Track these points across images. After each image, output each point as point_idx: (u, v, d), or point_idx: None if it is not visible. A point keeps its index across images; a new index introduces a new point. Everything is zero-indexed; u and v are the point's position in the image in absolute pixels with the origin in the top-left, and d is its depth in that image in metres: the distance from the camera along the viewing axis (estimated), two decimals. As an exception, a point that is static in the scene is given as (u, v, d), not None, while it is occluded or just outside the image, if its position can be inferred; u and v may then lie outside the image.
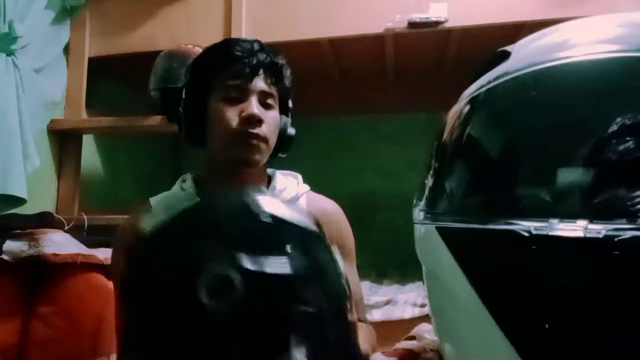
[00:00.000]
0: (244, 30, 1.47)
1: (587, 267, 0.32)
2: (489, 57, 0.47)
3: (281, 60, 0.84)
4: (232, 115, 0.77)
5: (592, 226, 0.31)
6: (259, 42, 0.84)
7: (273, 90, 0.82)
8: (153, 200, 0.70)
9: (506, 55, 0.44)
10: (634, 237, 0.30)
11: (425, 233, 0.46)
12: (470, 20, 1.37)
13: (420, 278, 0.48)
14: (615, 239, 0.30)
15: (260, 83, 0.80)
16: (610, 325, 0.32)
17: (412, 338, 0.56)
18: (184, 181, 0.81)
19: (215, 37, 1.50)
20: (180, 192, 0.80)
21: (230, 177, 0.77)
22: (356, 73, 1.96)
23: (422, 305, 1.54)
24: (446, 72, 1.88)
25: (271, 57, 0.82)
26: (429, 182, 0.47)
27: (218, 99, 0.79)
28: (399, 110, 2.11)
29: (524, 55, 0.43)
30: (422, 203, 0.48)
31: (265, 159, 0.82)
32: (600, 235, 0.30)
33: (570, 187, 0.34)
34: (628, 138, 0.32)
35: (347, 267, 0.84)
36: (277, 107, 0.83)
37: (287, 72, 0.85)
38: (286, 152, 0.88)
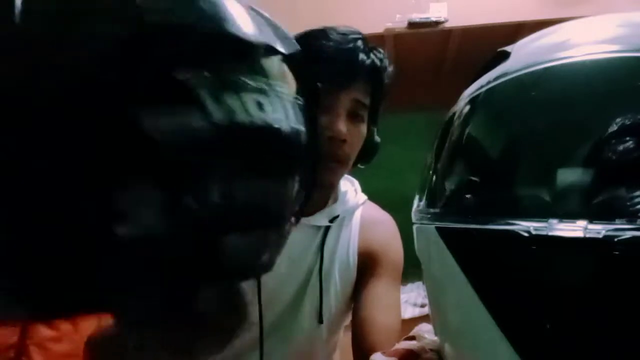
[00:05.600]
0: (244, 30, 1.47)
1: (586, 267, 0.32)
2: (489, 57, 0.47)
3: (384, 63, 0.70)
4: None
5: (591, 226, 0.31)
6: (361, 37, 0.68)
7: (367, 99, 0.68)
8: None
9: (506, 55, 0.44)
10: (634, 237, 0.30)
11: (425, 233, 0.46)
12: (470, 20, 1.37)
13: (420, 278, 0.48)
14: (615, 239, 0.30)
15: (354, 91, 0.66)
16: (610, 325, 0.32)
17: (412, 338, 0.56)
18: None
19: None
20: None
21: None
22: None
23: (422, 305, 1.55)
24: (446, 72, 1.88)
25: (373, 59, 0.67)
26: (429, 182, 0.47)
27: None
28: (399, 110, 2.11)
29: (524, 55, 0.43)
30: (422, 203, 0.48)
31: (342, 178, 0.73)
32: (600, 236, 0.30)
33: (570, 187, 0.34)
34: (628, 138, 0.32)
35: (385, 289, 0.76)
36: (366, 118, 0.70)
37: (388, 76, 0.71)
38: (368, 163, 0.77)
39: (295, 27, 1.56)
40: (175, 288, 0.31)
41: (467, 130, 0.44)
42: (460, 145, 0.44)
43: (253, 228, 0.34)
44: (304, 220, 0.79)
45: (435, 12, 1.36)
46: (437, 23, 1.36)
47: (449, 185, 0.44)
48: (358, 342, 0.73)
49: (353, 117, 0.68)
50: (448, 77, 1.89)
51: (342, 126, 0.65)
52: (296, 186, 0.37)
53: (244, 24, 0.33)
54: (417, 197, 0.50)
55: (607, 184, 0.33)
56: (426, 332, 0.56)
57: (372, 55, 0.68)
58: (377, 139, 0.78)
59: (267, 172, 0.33)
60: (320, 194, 0.77)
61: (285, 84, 0.36)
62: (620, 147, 0.32)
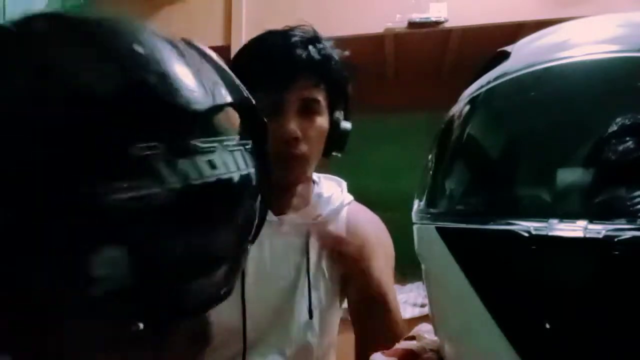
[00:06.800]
0: (243, 31, 1.47)
1: (586, 268, 0.32)
2: (489, 57, 0.47)
3: (326, 51, 0.68)
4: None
5: (591, 226, 0.31)
6: (297, 33, 0.67)
7: (318, 92, 0.68)
8: None
9: (506, 55, 0.44)
10: (634, 237, 0.30)
11: (425, 233, 0.46)
12: (470, 20, 1.37)
13: (420, 278, 0.48)
14: (615, 239, 0.30)
15: (299, 90, 0.66)
16: (610, 325, 0.32)
17: (412, 338, 0.56)
18: None
19: (215, 37, 1.50)
20: None
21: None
22: (356, 73, 1.96)
23: (422, 305, 1.54)
24: (446, 72, 1.88)
25: (311, 52, 0.66)
26: (429, 182, 0.47)
27: None
28: (399, 110, 2.11)
29: (524, 55, 0.43)
30: (422, 203, 0.48)
31: (309, 170, 0.73)
32: (600, 236, 0.30)
33: (570, 187, 0.34)
34: (628, 138, 0.32)
35: (377, 266, 0.78)
36: (324, 109, 0.69)
37: (335, 62, 0.69)
38: (342, 151, 0.76)
39: (295, 27, 1.54)
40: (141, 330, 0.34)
41: (467, 130, 0.43)
42: (460, 145, 0.44)
43: (213, 270, 0.37)
44: (288, 219, 0.79)
45: (435, 12, 1.36)
46: (437, 23, 1.36)
47: (449, 185, 0.44)
48: (373, 321, 0.75)
49: (304, 113, 0.68)
50: (448, 77, 1.89)
51: (292, 125, 0.65)
52: (250, 217, 0.41)
53: (192, 89, 0.35)
54: (417, 197, 0.50)
55: (607, 184, 0.33)
56: (426, 332, 0.56)
57: (310, 48, 0.67)
58: (346, 125, 0.76)
59: (221, 218, 0.37)
60: (297, 193, 0.78)
61: (234, 131, 0.39)
62: (620, 147, 0.32)
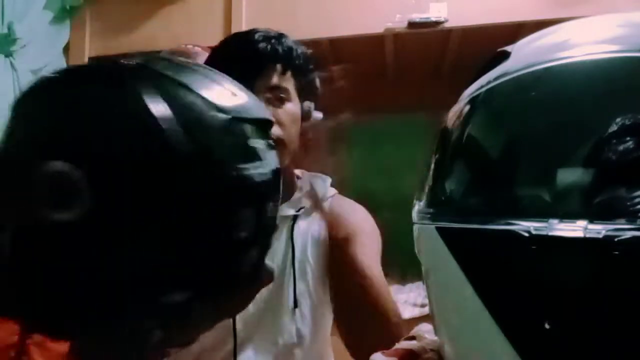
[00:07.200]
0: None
1: (586, 268, 0.32)
2: (489, 57, 0.47)
3: (288, 43, 0.75)
4: None
5: (591, 226, 0.31)
6: (261, 32, 0.75)
7: (285, 81, 0.75)
8: None
9: (506, 55, 0.44)
10: (634, 237, 0.30)
11: (425, 233, 0.46)
12: (470, 20, 1.37)
13: (420, 278, 0.48)
14: (615, 239, 0.30)
15: (266, 79, 0.73)
16: (610, 325, 0.32)
17: (412, 338, 0.56)
18: None
19: (215, 37, 1.49)
20: None
21: None
22: (356, 73, 1.96)
23: (422, 305, 1.54)
24: (446, 72, 1.88)
25: (274, 45, 0.73)
26: (429, 182, 0.47)
27: None
28: (399, 110, 2.11)
29: (524, 55, 0.43)
30: (422, 203, 0.48)
31: (288, 158, 0.78)
32: (600, 236, 0.30)
33: (570, 187, 0.34)
34: (628, 138, 0.32)
35: (361, 249, 0.80)
36: (293, 96, 0.76)
37: (298, 53, 0.76)
38: (317, 140, 0.82)
39: (296, 27, 1.56)
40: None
41: (467, 130, 0.43)
42: (460, 145, 0.44)
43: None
44: None
45: (435, 12, 1.36)
46: (437, 23, 1.36)
47: (449, 185, 0.44)
48: (358, 294, 0.78)
49: (275, 100, 0.73)
50: (448, 77, 1.89)
51: None
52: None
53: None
54: (416, 197, 0.50)
55: (607, 184, 0.33)
56: (426, 332, 0.56)
57: (273, 42, 0.74)
58: (318, 114, 0.82)
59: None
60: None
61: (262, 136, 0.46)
62: (620, 147, 0.32)
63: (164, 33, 1.51)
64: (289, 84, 0.76)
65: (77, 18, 1.56)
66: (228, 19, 1.50)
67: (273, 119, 0.50)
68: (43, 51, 1.42)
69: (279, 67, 0.74)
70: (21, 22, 1.30)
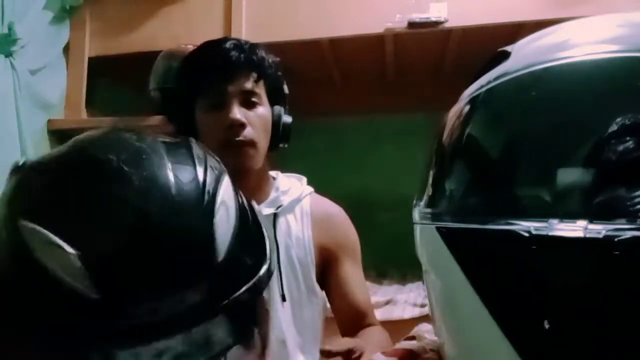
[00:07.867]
0: (244, 30, 1.47)
1: (587, 268, 0.32)
2: (489, 57, 0.47)
3: (259, 53, 0.80)
4: (216, 124, 0.76)
5: (592, 226, 0.31)
6: (233, 40, 0.80)
7: (257, 87, 0.79)
8: None
9: (506, 55, 0.44)
10: (634, 237, 0.30)
11: (425, 233, 0.46)
12: (470, 20, 1.37)
13: (420, 278, 0.48)
14: (615, 239, 0.30)
15: (239, 84, 0.77)
16: (611, 325, 0.32)
17: (412, 338, 0.56)
18: None
19: (215, 37, 1.49)
20: None
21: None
22: (356, 73, 1.96)
23: (422, 305, 1.54)
24: (446, 72, 1.88)
25: (247, 54, 0.78)
26: (429, 182, 0.47)
27: (201, 109, 0.78)
28: (399, 110, 2.11)
29: (524, 55, 0.43)
30: (422, 203, 0.48)
31: (260, 160, 0.81)
32: (600, 236, 0.30)
33: (570, 187, 0.34)
34: (628, 138, 0.32)
35: (352, 269, 0.88)
36: (264, 101, 0.81)
37: (269, 62, 0.82)
38: (287, 142, 0.86)
39: (296, 27, 1.56)
40: None
41: (467, 130, 0.43)
42: (460, 145, 0.44)
43: None
44: None
45: (435, 12, 1.36)
46: (437, 23, 1.36)
47: (449, 185, 0.44)
48: (344, 316, 0.87)
49: (246, 104, 0.78)
50: (448, 77, 1.89)
51: (236, 113, 0.76)
52: None
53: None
54: (417, 197, 0.50)
55: (607, 184, 0.33)
56: (426, 332, 0.56)
57: (246, 50, 0.79)
58: (286, 118, 0.85)
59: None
60: (256, 185, 0.85)
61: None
62: (620, 147, 0.32)
63: (164, 33, 1.51)
64: (261, 89, 0.81)
65: (77, 18, 1.56)
66: (228, 19, 1.49)
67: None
68: (43, 51, 1.42)
69: (253, 74, 0.79)
70: (21, 22, 1.30)
